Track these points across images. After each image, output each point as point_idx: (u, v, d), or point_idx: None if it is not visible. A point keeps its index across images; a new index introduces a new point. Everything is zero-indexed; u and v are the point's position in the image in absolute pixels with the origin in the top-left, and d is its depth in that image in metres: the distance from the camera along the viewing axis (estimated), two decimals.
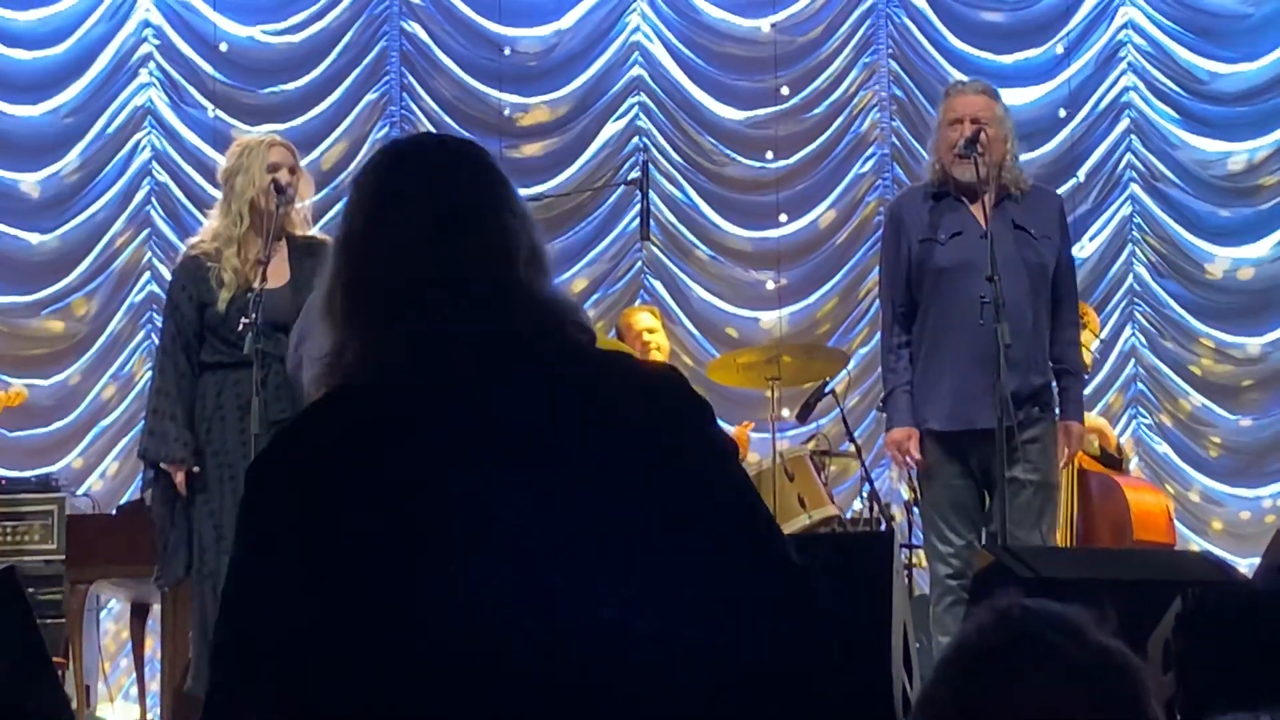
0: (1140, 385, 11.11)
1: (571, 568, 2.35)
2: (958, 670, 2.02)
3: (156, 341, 10.72)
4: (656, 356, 8.68)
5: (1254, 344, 11.07)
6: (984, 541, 6.52)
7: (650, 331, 8.89)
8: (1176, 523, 9.41)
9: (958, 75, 11.08)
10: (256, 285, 6.20)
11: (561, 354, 2.52)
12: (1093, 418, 8.55)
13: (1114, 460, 8.52)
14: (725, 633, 2.39)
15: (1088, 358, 8.38)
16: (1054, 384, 6.61)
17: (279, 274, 6.40)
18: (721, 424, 2.67)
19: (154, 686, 8.50)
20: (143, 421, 6.65)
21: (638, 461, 2.43)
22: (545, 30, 11.57)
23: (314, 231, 6.73)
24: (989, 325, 6.24)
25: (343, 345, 2.55)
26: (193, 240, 6.66)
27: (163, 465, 6.40)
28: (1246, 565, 8.29)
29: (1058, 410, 6.66)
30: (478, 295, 2.51)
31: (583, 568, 2.35)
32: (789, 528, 7.94)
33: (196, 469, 6.36)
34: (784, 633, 2.45)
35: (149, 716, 8.53)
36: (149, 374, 10.85)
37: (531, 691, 2.31)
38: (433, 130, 11.10)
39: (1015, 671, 1.98)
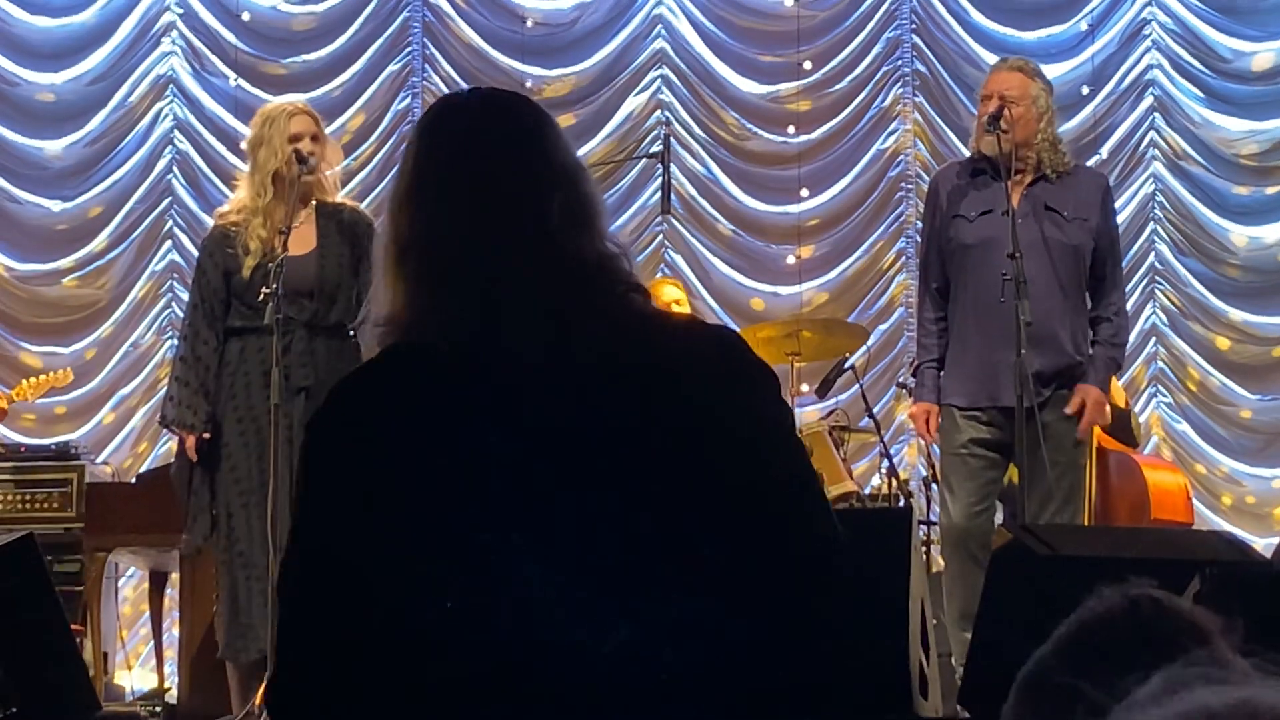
0: (1161, 364, 11.08)
1: (604, 541, 2.38)
2: (1080, 648, 1.98)
3: (177, 311, 10.78)
4: None
5: (1275, 323, 11.03)
6: (1003, 521, 6.54)
7: (678, 304, 8.89)
8: (1195, 501, 9.40)
9: (981, 51, 11.09)
10: (279, 253, 6.24)
11: (608, 318, 2.53)
12: (1114, 391, 8.53)
13: (1124, 418, 8.47)
14: (751, 606, 2.41)
15: None
16: (1084, 364, 6.58)
17: (305, 241, 6.44)
18: None
19: (171, 654, 8.52)
20: (163, 389, 6.71)
21: (683, 431, 2.44)
22: (568, 2, 11.56)
23: (343, 198, 6.76)
24: (1010, 302, 6.25)
25: (392, 304, 2.57)
26: (221, 210, 6.77)
27: (178, 431, 6.46)
28: (1264, 545, 8.27)
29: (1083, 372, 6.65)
30: (517, 259, 2.51)
31: (614, 541, 2.38)
32: None
33: (208, 435, 6.41)
34: (811, 609, 2.48)
35: (167, 684, 8.55)
36: (169, 342, 10.93)
37: (561, 665, 2.34)
38: None
39: (1141, 669, 1.94)
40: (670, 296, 8.93)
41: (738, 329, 10.10)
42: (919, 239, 6.95)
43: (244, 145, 6.66)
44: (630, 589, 2.36)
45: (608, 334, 2.51)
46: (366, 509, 2.43)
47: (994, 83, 6.67)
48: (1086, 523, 7.84)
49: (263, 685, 5.88)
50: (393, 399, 2.51)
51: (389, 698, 2.39)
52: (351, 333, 6.40)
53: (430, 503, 2.41)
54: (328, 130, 6.99)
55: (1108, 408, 7.00)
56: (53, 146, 11.44)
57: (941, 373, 6.64)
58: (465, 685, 2.36)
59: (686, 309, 8.98)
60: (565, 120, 11.37)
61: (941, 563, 7.43)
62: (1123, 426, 8.45)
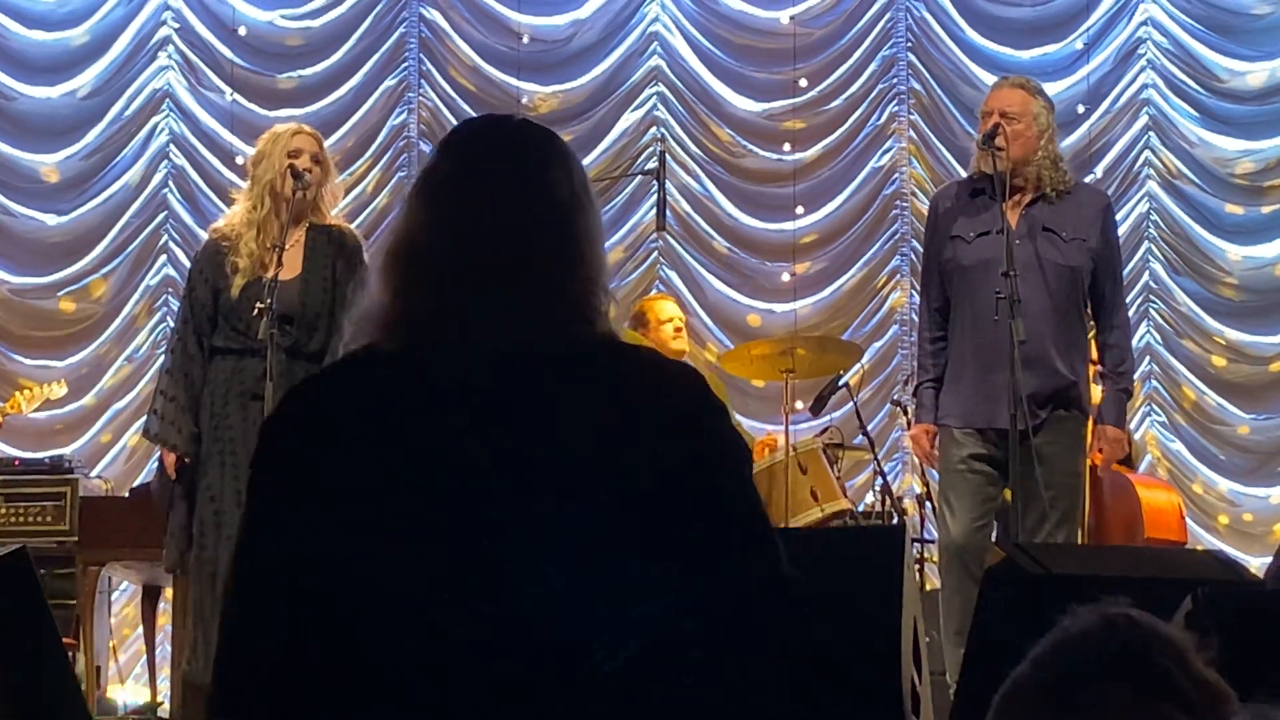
0: (1155, 382, 11.09)
1: (553, 555, 2.39)
2: (1055, 668, 1.98)
3: (171, 325, 10.76)
4: (681, 343, 8.72)
5: (1269, 342, 11.03)
6: (996, 539, 6.54)
7: (679, 319, 8.91)
8: (1190, 521, 9.40)
9: (976, 69, 11.11)
10: (271, 273, 6.25)
11: (578, 346, 2.54)
12: None
13: (1125, 461, 8.50)
14: (703, 630, 2.42)
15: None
16: (1079, 385, 6.57)
17: (292, 265, 6.46)
18: (749, 426, 2.68)
19: (165, 669, 8.51)
20: None
21: (635, 458, 2.45)
22: (564, 19, 11.57)
23: (334, 218, 6.77)
24: (1004, 322, 6.26)
25: (373, 308, 2.59)
26: (216, 224, 6.77)
27: (157, 445, 6.48)
28: (1258, 565, 8.27)
29: (1090, 411, 6.66)
30: (499, 275, 2.53)
31: (565, 557, 2.39)
32: (801, 520, 7.94)
33: (188, 459, 6.41)
34: (758, 643, 2.47)
35: (159, 699, 8.55)
36: (163, 357, 10.91)
37: (510, 667, 2.36)
38: (450, 116, 11.14)
39: (1117, 685, 1.94)
40: (670, 313, 8.93)
41: (732, 346, 10.16)
42: (915, 258, 6.94)
43: (246, 162, 6.68)
44: (576, 599, 2.38)
45: (574, 356, 2.52)
46: (313, 511, 2.44)
47: (994, 100, 6.67)
48: (1080, 540, 7.86)
49: None
50: (345, 402, 2.53)
51: (336, 707, 2.39)
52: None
53: (377, 506, 2.42)
54: (325, 144, 6.99)
55: (1124, 442, 7.03)
56: (48, 160, 11.44)
57: (940, 393, 6.65)
58: (419, 691, 2.37)
59: (683, 329, 8.97)
60: (561, 136, 11.37)
61: (936, 581, 7.44)
62: (1123, 462, 8.46)
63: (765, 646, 2.47)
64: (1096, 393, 6.85)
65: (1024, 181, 6.56)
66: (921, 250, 7.03)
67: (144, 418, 10.80)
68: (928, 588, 8.18)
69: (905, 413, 9.15)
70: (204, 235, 7.95)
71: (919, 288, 6.95)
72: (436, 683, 2.36)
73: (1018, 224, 6.51)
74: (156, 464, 6.63)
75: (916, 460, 8.69)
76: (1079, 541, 7.01)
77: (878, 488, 8.99)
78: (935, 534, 7.00)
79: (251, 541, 2.53)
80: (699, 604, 2.43)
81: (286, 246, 6.36)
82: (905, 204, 11.19)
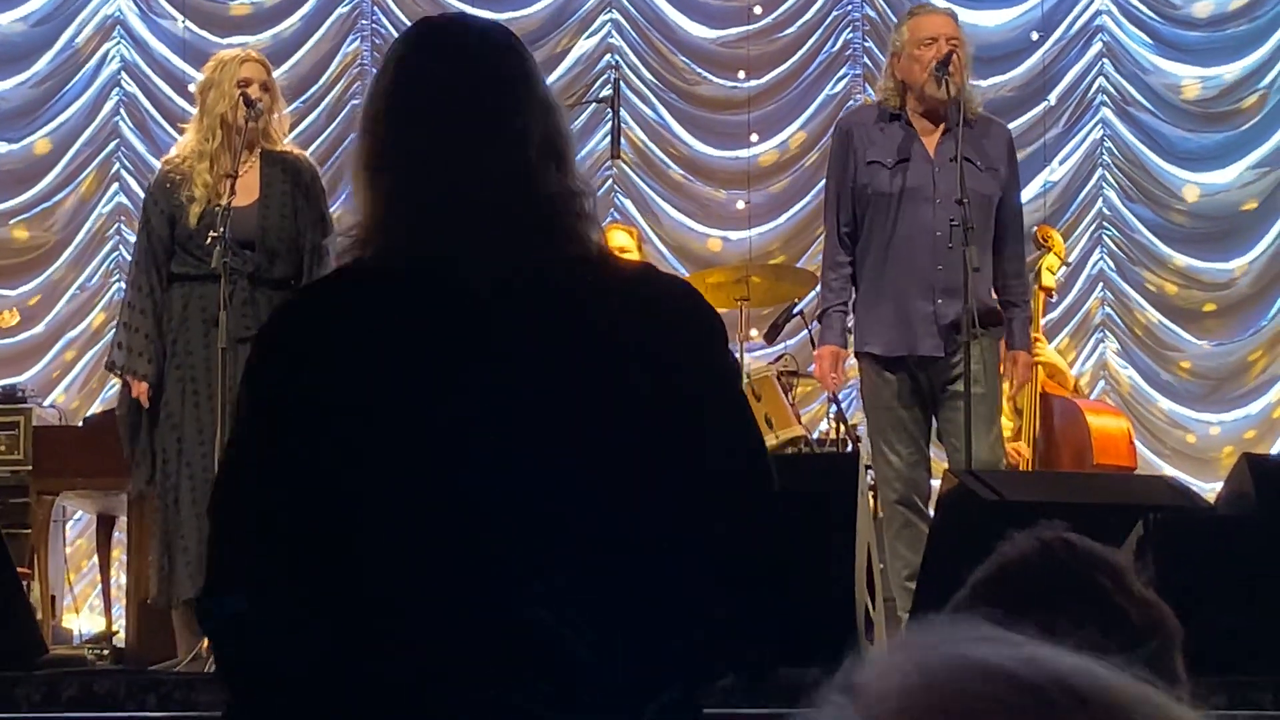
0: (1108, 309, 11.13)
1: (544, 464, 2.42)
2: (995, 594, 2.00)
3: (124, 253, 10.72)
4: None
5: (1221, 269, 11.09)
6: (947, 459, 6.58)
7: (623, 251, 8.87)
8: (1141, 446, 9.46)
9: None
10: (225, 200, 6.24)
11: (566, 254, 2.54)
12: (1050, 355, 8.60)
13: (1073, 387, 8.58)
14: (687, 551, 2.45)
15: (1052, 281, 8.41)
16: (995, 309, 6.63)
17: (249, 190, 6.44)
18: None
19: (119, 598, 8.51)
20: (112, 330, 6.69)
21: (624, 372, 2.47)
22: None
23: (287, 145, 6.75)
24: (938, 252, 6.40)
25: (359, 216, 2.58)
26: (167, 155, 6.76)
27: (126, 378, 6.46)
28: (1206, 489, 8.34)
29: (1004, 336, 6.72)
30: (487, 184, 2.52)
31: (555, 466, 2.43)
32: None
33: (154, 388, 6.42)
34: (744, 557, 2.50)
35: (115, 627, 8.55)
36: (116, 285, 10.88)
37: (498, 551, 2.40)
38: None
39: (1058, 607, 1.96)
40: (616, 244, 8.90)
41: (687, 274, 10.15)
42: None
43: (193, 89, 6.64)
44: (569, 523, 2.41)
45: (564, 270, 2.53)
46: (305, 420, 2.46)
47: (937, 25, 6.63)
48: (1030, 467, 7.92)
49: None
50: (340, 316, 2.54)
51: (324, 608, 2.41)
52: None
53: (369, 418, 2.44)
54: (279, 70, 6.97)
55: (1032, 365, 7.17)
56: None
57: (850, 317, 6.67)
58: (400, 600, 2.40)
59: (635, 257, 8.95)
60: None
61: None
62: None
63: (755, 561, 2.51)
64: None
65: (945, 110, 6.58)
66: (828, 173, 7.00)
67: (96, 347, 10.90)
68: (880, 515, 8.22)
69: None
70: (156, 163, 7.92)
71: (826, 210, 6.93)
72: (422, 597, 2.39)
73: (936, 153, 6.54)
74: (122, 391, 6.60)
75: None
76: (1004, 442, 7.08)
77: (831, 415, 9.03)
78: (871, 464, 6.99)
79: (240, 456, 2.56)
80: (689, 514, 2.46)
81: (240, 174, 6.34)
82: None
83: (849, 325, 6.73)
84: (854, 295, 6.67)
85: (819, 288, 7.13)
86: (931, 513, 6.51)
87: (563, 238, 2.53)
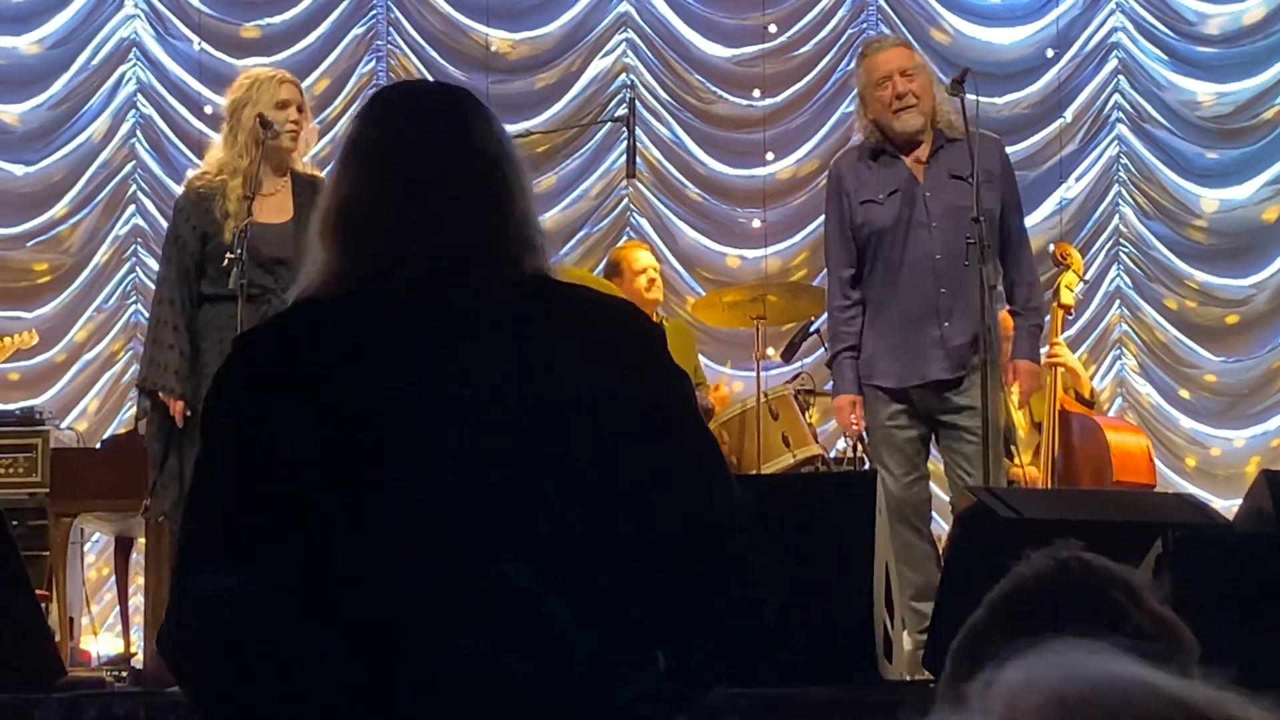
0: (1125, 326, 11.12)
1: (496, 497, 2.48)
2: (1011, 612, 1.99)
3: (141, 276, 10.74)
4: (656, 294, 8.69)
5: (1239, 285, 11.07)
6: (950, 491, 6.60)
7: (653, 269, 8.85)
8: (1159, 464, 9.44)
9: (946, 14, 11.10)
10: (245, 220, 6.22)
11: (516, 285, 2.61)
12: (1070, 360, 8.57)
13: (1087, 405, 8.54)
14: (652, 576, 2.50)
15: (1071, 299, 8.39)
16: (996, 328, 6.63)
17: (282, 209, 6.43)
18: (721, 373, 2.72)
19: (137, 619, 8.52)
20: (129, 353, 6.66)
21: (578, 390, 2.53)
22: None
23: (308, 166, 6.74)
24: (939, 276, 6.46)
25: (316, 263, 2.66)
26: (197, 172, 6.69)
27: (160, 395, 6.39)
28: (1225, 506, 8.31)
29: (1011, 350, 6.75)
30: (440, 229, 2.61)
31: (507, 496, 2.48)
32: (772, 466, 7.96)
33: (189, 413, 6.35)
34: (708, 574, 2.55)
35: (133, 649, 8.55)
36: (134, 308, 10.89)
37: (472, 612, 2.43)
38: (419, 64, 11.11)
39: (1074, 625, 1.95)
40: (647, 261, 8.87)
41: (703, 292, 10.15)
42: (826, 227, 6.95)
43: (225, 105, 6.59)
44: (526, 533, 2.47)
45: (508, 295, 2.60)
46: (261, 456, 2.51)
47: (887, 63, 6.67)
48: (1049, 484, 7.90)
49: None
50: (289, 351, 2.61)
51: (279, 645, 2.45)
52: None
53: (321, 452, 2.49)
54: None
55: (1042, 374, 7.14)
56: (14, 110, 11.38)
57: (859, 357, 6.66)
58: (354, 633, 2.43)
59: (658, 279, 8.91)
60: (530, 83, 11.35)
61: None
62: (1086, 408, 8.50)
63: (727, 574, 2.55)
64: None
65: (926, 134, 6.63)
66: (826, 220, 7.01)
67: (113, 369, 10.91)
68: None
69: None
70: (172, 185, 7.94)
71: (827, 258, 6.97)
72: (388, 634, 2.43)
73: (926, 177, 6.57)
74: (151, 412, 6.50)
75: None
76: (1041, 482, 7.06)
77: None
78: None
79: (202, 488, 2.61)
80: (651, 531, 2.51)
81: (273, 193, 6.33)
82: None
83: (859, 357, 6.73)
84: (862, 326, 6.68)
85: (826, 319, 7.14)
86: (933, 530, 6.62)
87: (510, 267, 2.61)
